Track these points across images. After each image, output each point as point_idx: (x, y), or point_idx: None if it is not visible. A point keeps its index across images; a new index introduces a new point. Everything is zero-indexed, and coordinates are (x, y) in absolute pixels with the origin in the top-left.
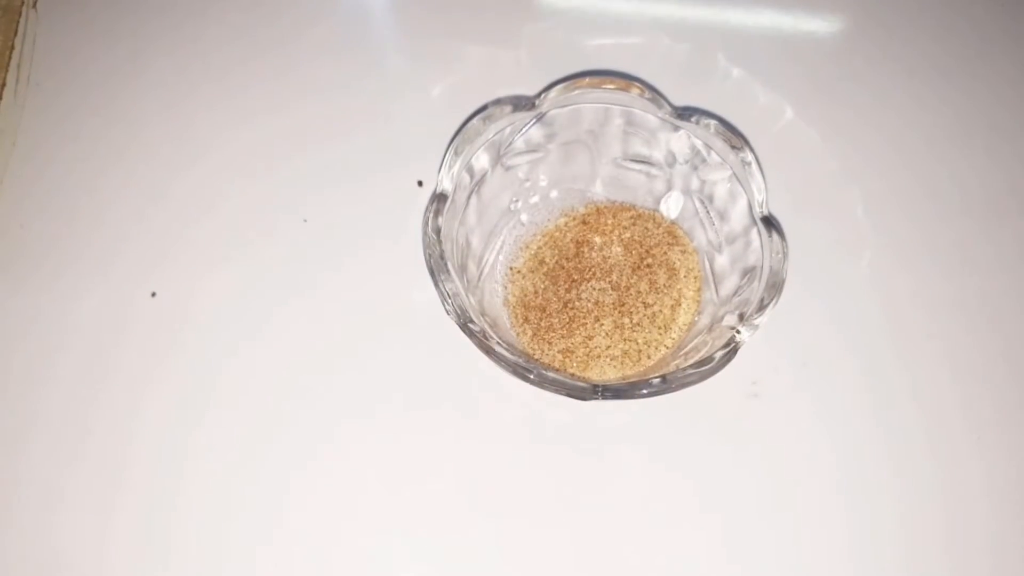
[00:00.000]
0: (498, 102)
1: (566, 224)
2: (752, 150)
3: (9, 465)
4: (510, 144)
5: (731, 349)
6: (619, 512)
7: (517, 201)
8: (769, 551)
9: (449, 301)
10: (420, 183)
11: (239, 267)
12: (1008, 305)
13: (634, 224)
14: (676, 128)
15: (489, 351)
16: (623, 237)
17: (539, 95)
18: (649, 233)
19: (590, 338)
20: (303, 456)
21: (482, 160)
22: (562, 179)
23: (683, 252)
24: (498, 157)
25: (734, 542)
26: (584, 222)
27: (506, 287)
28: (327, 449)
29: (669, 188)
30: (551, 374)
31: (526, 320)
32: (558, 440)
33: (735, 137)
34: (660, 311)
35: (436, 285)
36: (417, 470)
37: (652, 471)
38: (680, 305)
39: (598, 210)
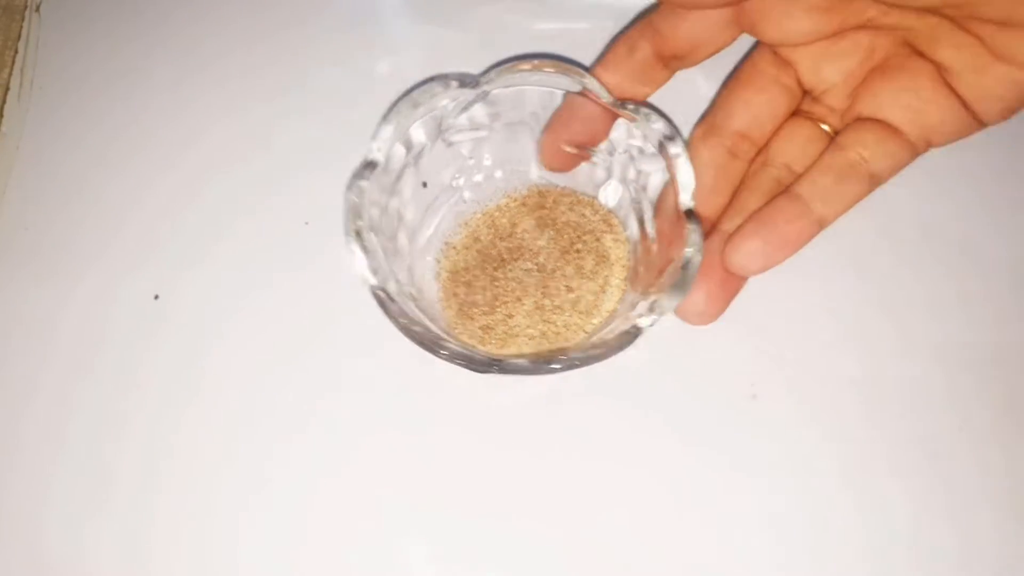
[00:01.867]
0: (442, 77)
1: (507, 204)
2: (684, 142)
3: (8, 466)
4: (453, 120)
5: (629, 334)
6: (614, 513)
7: (460, 178)
8: (768, 553)
9: (364, 264)
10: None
11: (246, 271)
12: (1016, 300)
13: (571, 209)
14: (614, 116)
15: (387, 311)
16: (558, 221)
17: (483, 73)
18: (585, 219)
19: (510, 316)
20: (282, 454)
21: (419, 134)
22: (507, 160)
23: (615, 240)
24: (438, 132)
25: (732, 543)
26: (524, 204)
27: (439, 261)
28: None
29: (609, 176)
30: (449, 343)
31: (453, 294)
32: (554, 439)
33: (667, 127)
34: (583, 296)
35: (349, 245)
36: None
37: (648, 473)
38: (604, 292)
39: (540, 193)
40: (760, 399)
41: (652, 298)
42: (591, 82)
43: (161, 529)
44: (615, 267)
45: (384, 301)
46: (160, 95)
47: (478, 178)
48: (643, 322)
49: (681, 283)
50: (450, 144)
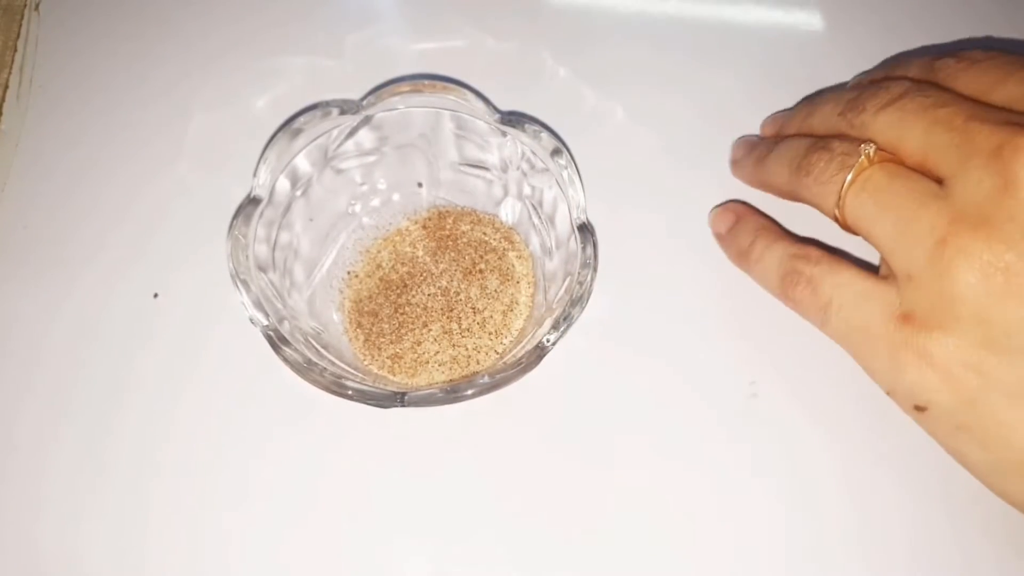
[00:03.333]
0: (323, 105)
1: (407, 228)
2: (571, 155)
3: (3, 463)
4: (339, 147)
5: (535, 353)
6: (620, 512)
7: (355, 204)
8: (770, 550)
9: (250, 305)
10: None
11: None
12: None
13: (473, 228)
14: (503, 133)
15: (279, 352)
16: (460, 241)
17: (363, 98)
18: (487, 237)
19: (418, 343)
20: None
21: (304, 164)
22: (402, 182)
23: (519, 257)
24: (325, 160)
25: (736, 540)
26: (424, 226)
27: (342, 291)
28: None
29: (506, 193)
30: (351, 381)
31: (359, 325)
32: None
33: (553, 142)
34: (491, 316)
35: (236, 288)
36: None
37: (650, 475)
38: (512, 311)
39: (439, 214)
40: (760, 398)
41: (556, 313)
42: (472, 99)
43: (157, 526)
44: (521, 284)
45: (275, 342)
46: (159, 95)
47: (375, 203)
48: (549, 338)
49: (579, 298)
50: (339, 171)
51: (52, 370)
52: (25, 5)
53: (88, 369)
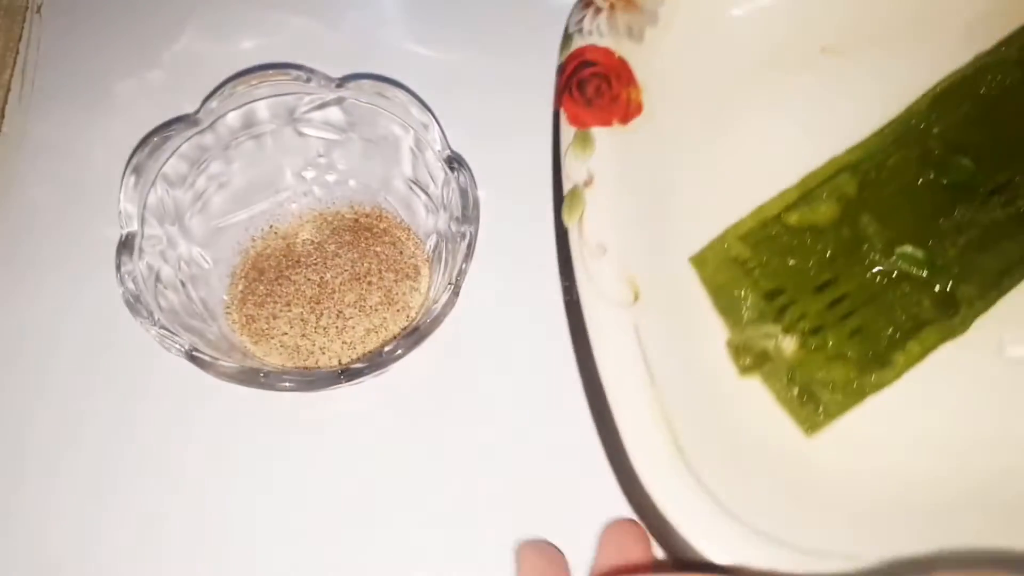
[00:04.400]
0: (160, 130)
1: (341, 213)
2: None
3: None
4: (307, 112)
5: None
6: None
7: (310, 171)
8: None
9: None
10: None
11: None
12: None
13: (392, 244)
14: (339, 100)
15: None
16: (370, 249)
17: (203, 104)
18: (399, 257)
19: (274, 317)
20: None
21: (264, 113)
22: (360, 172)
23: (413, 289)
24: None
25: None
26: (357, 219)
27: (255, 239)
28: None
29: (435, 226)
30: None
31: (244, 275)
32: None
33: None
34: (352, 328)
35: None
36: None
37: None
38: (375, 333)
39: (377, 215)
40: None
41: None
42: (300, 75)
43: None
44: (400, 315)
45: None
46: (159, 96)
47: (330, 178)
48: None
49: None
50: (301, 134)
51: (50, 370)
52: (27, 7)
53: (86, 370)
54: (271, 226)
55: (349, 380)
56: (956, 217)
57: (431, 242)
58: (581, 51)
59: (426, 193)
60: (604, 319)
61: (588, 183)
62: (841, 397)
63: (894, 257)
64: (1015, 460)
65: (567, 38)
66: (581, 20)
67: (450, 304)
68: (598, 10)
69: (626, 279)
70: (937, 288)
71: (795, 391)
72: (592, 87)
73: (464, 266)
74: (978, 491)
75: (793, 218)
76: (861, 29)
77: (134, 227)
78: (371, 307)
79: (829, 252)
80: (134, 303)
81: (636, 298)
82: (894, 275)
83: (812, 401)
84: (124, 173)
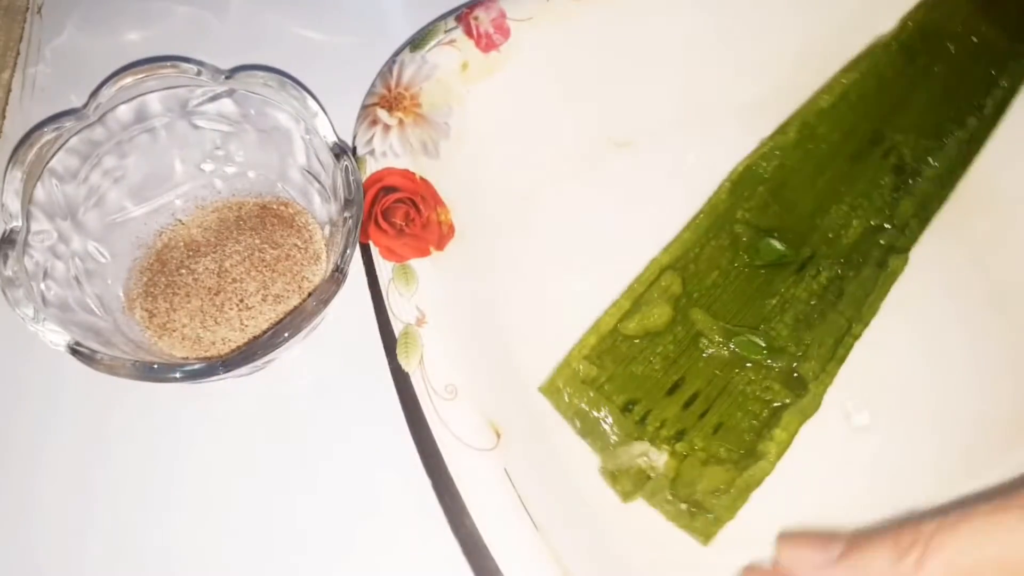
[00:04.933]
0: (44, 124)
1: (238, 203)
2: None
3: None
4: (199, 105)
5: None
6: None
7: (208, 164)
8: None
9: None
10: None
11: None
12: None
13: (288, 236)
14: (230, 92)
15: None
16: (270, 240)
17: (87, 103)
18: (296, 250)
19: (173, 310)
20: None
21: (156, 107)
22: (258, 164)
23: (317, 276)
24: (183, 111)
25: None
26: (260, 212)
27: (161, 232)
28: None
29: (329, 216)
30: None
31: (147, 267)
32: None
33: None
34: (255, 317)
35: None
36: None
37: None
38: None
39: (278, 203)
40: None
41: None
42: (188, 68)
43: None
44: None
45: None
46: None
47: (230, 170)
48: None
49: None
50: (196, 127)
51: (51, 374)
52: (27, 7)
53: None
54: (177, 219)
55: (228, 370)
56: (778, 297)
57: (327, 230)
58: (379, 176)
59: (319, 181)
60: (471, 467)
61: (420, 321)
62: (727, 500)
63: (732, 346)
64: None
65: (359, 160)
66: (371, 140)
67: (332, 290)
68: (387, 127)
69: (484, 420)
70: (779, 369)
71: (682, 506)
72: (400, 215)
73: (349, 251)
74: None
75: (630, 327)
76: (648, 122)
77: (17, 223)
78: (275, 296)
79: (671, 353)
80: (12, 298)
81: (499, 438)
82: (738, 364)
83: (701, 511)
84: (7, 168)
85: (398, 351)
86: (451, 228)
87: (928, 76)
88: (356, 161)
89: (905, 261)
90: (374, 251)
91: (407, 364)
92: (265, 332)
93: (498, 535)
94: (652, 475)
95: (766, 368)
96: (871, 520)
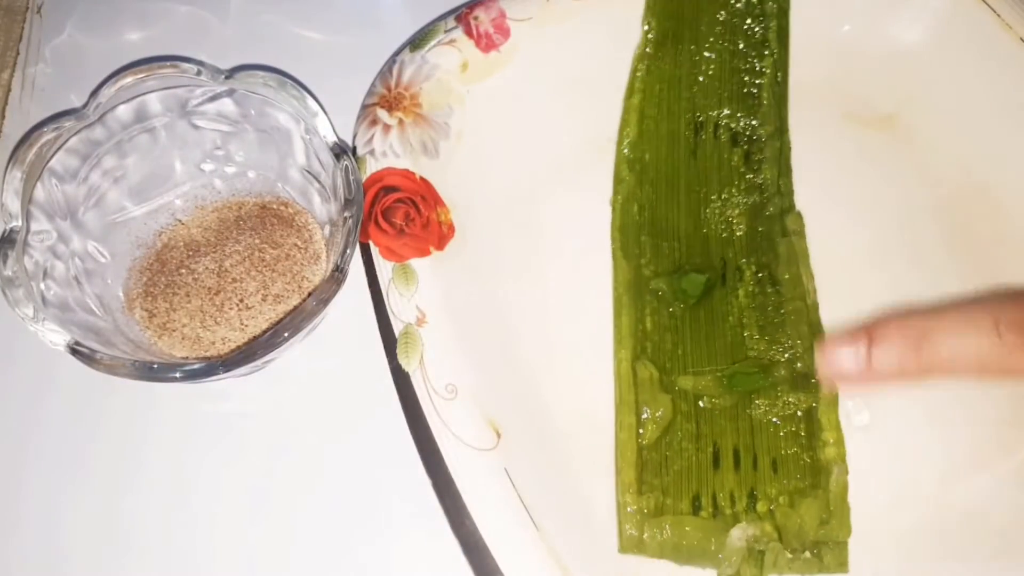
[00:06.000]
0: (44, 124)
1: (239, 203)
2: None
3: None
4: (198, 105)
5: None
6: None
7: (208, 164)
8: None
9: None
10: None
11: None
12: None
13: (288, 235)
14: (230, 92)
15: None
16: (270, 239)
17: (87, 103)
18: (296, 250)
19: (173, 309)
20: None
21: (156, 106)
22: (258, 164)
23: (310, 277)
24: (183, 111)
25: None
26: (265, 207)
27: (161, 232)
28: None
29: (329, 216)
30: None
31: (147, 267)
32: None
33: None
34: (255, 316)
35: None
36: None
37: None
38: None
39: (279, 203)
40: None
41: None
42: (188, 68)
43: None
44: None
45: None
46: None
47: (230, 170)
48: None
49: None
50: (196, 127)
51: (52, 374)
52: (27, 7)
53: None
54: (177, 219)
55: (228, 370)
56: (730, 317)
57: (327, 230)
58: (379, 175)
59: (319, 181)
60: (471, 467)
61: (421, 321)
62: (836, 521)
63: (731, 387)
64: (898, 517)
65: (359, 160)
66: (371, 139)
67: (333, 289)
68: (387, 127)
69: (484, 419)
70: (782, 378)
71: (806, 555)
72: (400, 215)
73: (349, 250)
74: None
75: (649, 436)
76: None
77: (17, 223)
78: (275, 295)
79: (691, 431)
80: (12, 297)
81: (499, 438)
82: (746, 399)
83: (823, 547)
84: (6, 168)
85: (398, 351)
86: (451, 228)
87: (701, 48)
88: (356, 161)
89: (799, 216)
90: (374, 251)
91: (407, 364)
92: (265, 332)
93: (498, 535)
94: (762, 548)
95: (771, 386)
96: (875, 520)
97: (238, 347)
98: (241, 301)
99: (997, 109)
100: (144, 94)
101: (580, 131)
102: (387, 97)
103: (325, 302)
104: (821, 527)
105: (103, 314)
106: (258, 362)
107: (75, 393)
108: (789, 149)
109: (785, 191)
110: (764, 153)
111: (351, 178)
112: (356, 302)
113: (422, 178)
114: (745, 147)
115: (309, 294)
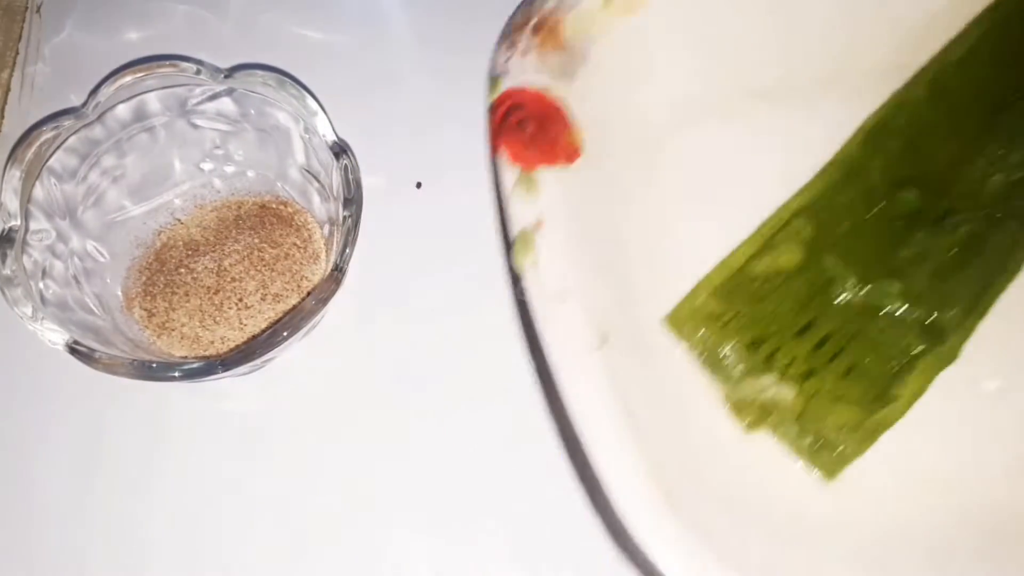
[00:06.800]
0: (43, 123)
1: (238, 202)
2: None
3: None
4: (198, 104)
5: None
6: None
7: (208, 163)
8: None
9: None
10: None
11: None
12: None
13: (288, 234)
14: (230, 91)
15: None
16: (269, 238)
17: (86, 102)
18: (295, 249)
19: (172, 309)
20: None
21: (155, 105)
22: (257, 163)
23: (310, 277)
24: (182, 110)
25: None
26: (260, 211)
27: (160, 232)
28: None
29: (328, 215)
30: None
31: (146, 266)
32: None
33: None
34: (254, 316)
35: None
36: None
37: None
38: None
39: (277, 202)
40: None
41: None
42: (188, 67)
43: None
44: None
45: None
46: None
47: (229, 169)
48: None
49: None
50: (195, 126)
51: (54, 374)
52: (27, 7)
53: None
54: (176, 219)
55: (227, 370)
56: (915, 247)
57: (326, 229)
58: (510, 94)
59: (318, 180)
60: (575, 362)
61: (538, 226)
62: (857, 437)
63: (868, 292)
64: (1004, 491)
65: (494, 80)
66: (507, 61)
67: (331, 289)
68: (525, 51)
69: (593, 325)
70: (916, 318)
71: (808, 440)
72: (532, 126)
73: (348, 250)
74: (973, 524)
75: (759, 267)
76: (786, 76)
77: (16, 222)
78: (274, 295)
79: (801, 296)
80: (11, 297)
81: (606, 341)
82: (872, 312)
83: (828, 445)
84: (5, 167)
85: (514, 253)
86: (577, 149)
87: None
88: (492, 80)
89: None
90: (503, 153)
91: (520, 265)
92: (264, 331)
93: (597, 432)
94: (777, 409)
95: (904, 316)
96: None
97: (237, 346)
98: (240, 300)
99: None
100: (143, 93)
101: (718, 77)
102: (527, 24)
103: (324, 301)
104: (841, 430)
105: (102, 313)
106: (257, 361)
107: (74, 393)
108: None
109: None
110: None
111: (350, 177)
112: (356, 301)
113: (553, 100)
114: None
115: (308, 293)
